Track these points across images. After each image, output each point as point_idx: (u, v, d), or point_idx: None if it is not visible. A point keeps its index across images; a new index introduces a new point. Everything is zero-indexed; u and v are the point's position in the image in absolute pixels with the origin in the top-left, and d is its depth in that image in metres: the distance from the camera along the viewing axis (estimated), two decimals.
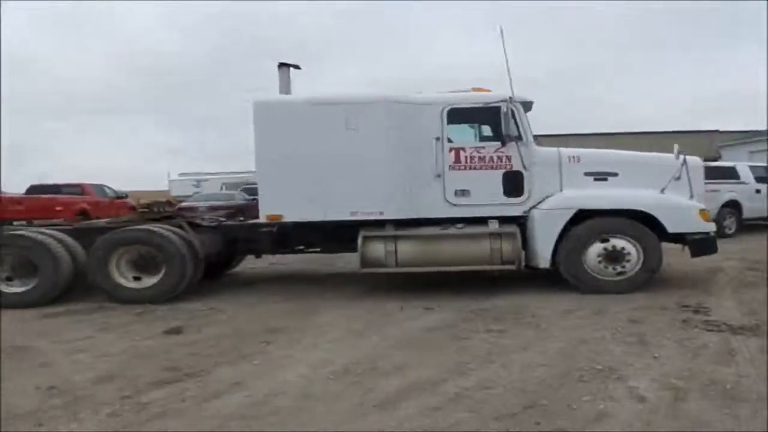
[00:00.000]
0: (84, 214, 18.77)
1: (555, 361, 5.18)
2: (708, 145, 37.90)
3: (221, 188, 42.54)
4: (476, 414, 4.03)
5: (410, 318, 7.01)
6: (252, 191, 28.01)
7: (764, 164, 17.17)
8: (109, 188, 22.03)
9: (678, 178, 8.25)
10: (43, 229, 8.74)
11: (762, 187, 15.59)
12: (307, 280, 10.14)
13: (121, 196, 22.51)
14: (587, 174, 8.37)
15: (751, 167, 16.37)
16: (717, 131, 49.10)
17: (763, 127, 38.90)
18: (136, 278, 8.37)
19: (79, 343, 6.22)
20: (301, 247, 9.25)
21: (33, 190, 19.82)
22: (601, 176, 8.38)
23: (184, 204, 23.87)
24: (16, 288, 8.31)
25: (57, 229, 8.80)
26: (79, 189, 19.99)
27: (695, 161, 8.58)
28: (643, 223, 8.09)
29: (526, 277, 8.87)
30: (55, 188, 19.90)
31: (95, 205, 19.84)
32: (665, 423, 3.83)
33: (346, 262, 11.09)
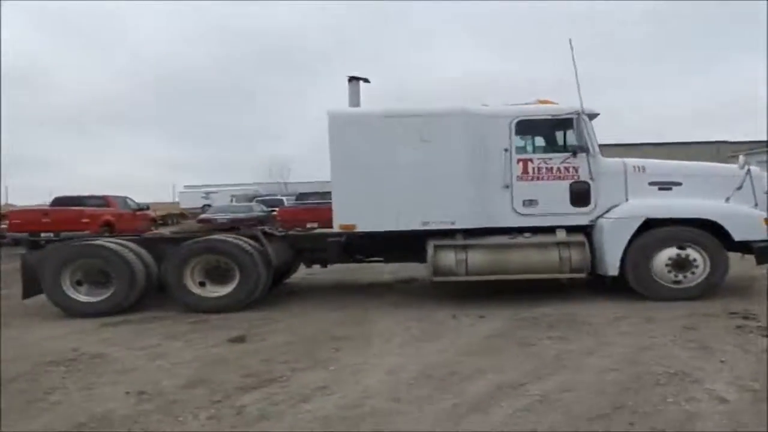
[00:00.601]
0: (108, 225, 19.00)
1: (624, 365, 5.32)
2: (715, 156, 38.06)
3: (231, 200, 42.87)
4: (568, 415, 4.19)
5: (466, 326, 7.15)
6: (269, 203, 28.32)
7: None
8: (132, 200, 22.24)
9: (740, 188, 8.42)
10: (118, 240, 8.91)
11: None
12: (349, 289, 10.26)
13: (142, 208, 22.72)
14: (652, 183, 8.55)
15: None
16: (725, 142, 49.54)
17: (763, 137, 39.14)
18: (206, 287, 8.51)
19: (152, 350, 6.38)
20: (363, 257, 9.40)
21: (58, 202, 20.04)
22: (665, 186, 8.56)
23: (203, 216, 24.13)
24: (89, 297, 8.43)
25: (128, 240, 8.96)
26: (103, 201, 20.19)
27: (758, 171, 8.75)
28: (708, 232, 8.26)
29: (565, 287, 9.02)
30: (79, 200, 20.09)
31: (119, 217, 20.04)
32: (753, 421, 3.98)
33: (387, 272, 11.30)
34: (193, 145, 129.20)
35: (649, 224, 8.24)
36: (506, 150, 8.40)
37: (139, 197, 23.30)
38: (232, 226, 9.65)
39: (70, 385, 5.23)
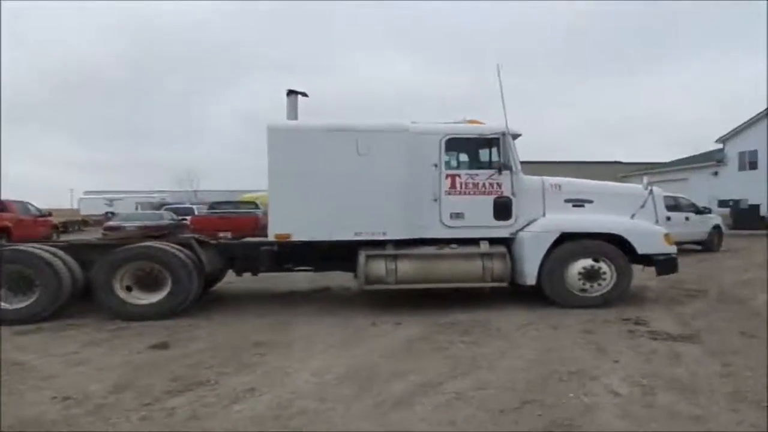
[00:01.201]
0: (6, 231, 18.09)
1: (532, 365, 5.82)
2: (611, 176, 40.51)
3: (136, 208, 41.46)
4: (484, 409, 4.59)
5: (384, 332, 7.47)
6: (179, 211, 27.68)
7: (672, 194, 18.83)
8: (33, 206, 21.21)
9: (643, 206, 9.29)
10: (45, 246, 8.64)
11: (671, 215, 17.16)
12: (268, 297, 10.37)
13: (44, 214, 21.72)
14: (567, 200, 9.30)
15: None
16: (619, 162, 52.86)
17: (663, 159, 42.13)
18: (132, 293, 8.42)
19: (72, 356, 6.32)
20: (292, 266, 9.53)
21: None
22: (578, 203, 9.33)
23: (110, 223, 23.32)
24: (9, 305, 8.15)
25: (52, 246, 8.71)
26: (0, 206, 19.15)
27: (659, 191, 9.70)
28: (614, 245, 9.00)
29: (476, 295, 9.54)
30: None
31: (18, 222, 19.07)
32: (643, 412, 4.51)
33: (304, 281, 11.50)
34: (93, 147, 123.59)
35: (563, 238, 8.91)
36: (436, 165, 8.86)
37: (35, 202, 22.22)
38: (163, 234, 9.47)
39: None
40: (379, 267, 8.70)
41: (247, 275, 9.83)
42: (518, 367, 5.75)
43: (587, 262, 8.89)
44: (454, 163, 9.26)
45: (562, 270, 8.86)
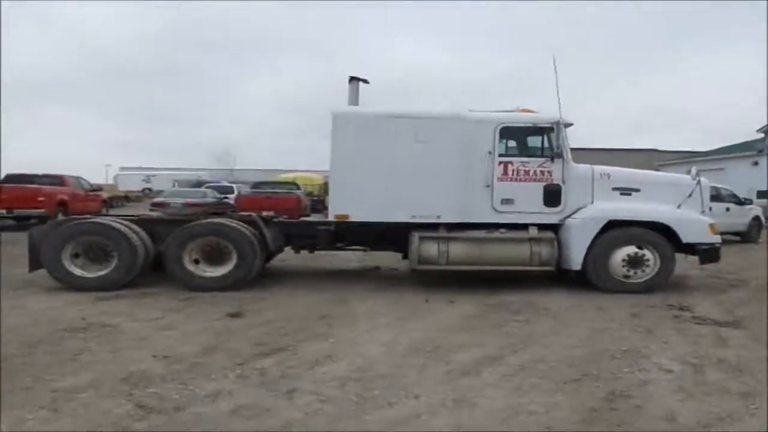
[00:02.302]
0: (63, 205, 18.91)
1: (585, 343, 6.24)
2: (646, 164, 40.30)
3: (173, 185, 42.42)
4: (548, 379, 5.02)
5: (439, 309, 7.92)
6: (220, 189, 28.42)
7: (714, 184, 18.88)
8: (85, 180, 22.08)
9: (690, 196, 9.57)
10: (120, 220, 9.30)
11: (712, 205, 17.24)
12: (323, 275, 10.89)
13: (95, 189, 22.60)
14: (615, 189, 9.61)
15: None
16: (655, 150, 52.36)
17: (699, 147, 41.70)
18: (199, 265, 9.00)
19: (158, 321, 6.90)
20: (345, 245, 10.06)
21: (10, 179, 19.72)
22: (626, 191, 9.63)
23: (157, 199, 24.14)
24: (89, 272, 8.80)
25: (127, 219, 9.37)
26: (58, 180, 20.01)
27: (706, 182, 9.95)
28: (659, 234, 9.31)
29: (522, 278, 9.92)
30: (31, 178, 19.82)
31: (73, 196, 19.93)
32: (695, 388, 4.90)
33: (353, 260, 12.00)
34: (126, 125, 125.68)
35: (610, 225, 9.24)
36: (490, 153, 9.26)
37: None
38: (224, 210, 10.08)
39: (95, 348, 5.73)
40: (431, 248, 9.14)
41: (295, 253, 10.41)
42: (572, 345, 6.16)
43: (631, 249, 9.21)
44: (507, 150, 9.61)
45: (607, 256, 9.18)
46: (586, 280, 9.32)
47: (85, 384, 4.71)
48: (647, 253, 9.24)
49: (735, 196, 19.50)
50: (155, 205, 22.88)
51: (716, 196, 17.80)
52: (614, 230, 9.24)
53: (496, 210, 9.32)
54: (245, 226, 9.14)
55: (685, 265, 10.44)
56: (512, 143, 9.70)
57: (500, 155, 9.36)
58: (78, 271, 8.75)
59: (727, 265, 12.18)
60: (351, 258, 12.36)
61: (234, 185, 33.24)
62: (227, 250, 8.96)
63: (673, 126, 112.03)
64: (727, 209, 18.28)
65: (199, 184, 35.71)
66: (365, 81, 9.99)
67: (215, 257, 9.01)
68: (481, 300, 8.45)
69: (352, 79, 9.88)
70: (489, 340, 6.28)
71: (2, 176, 20.76)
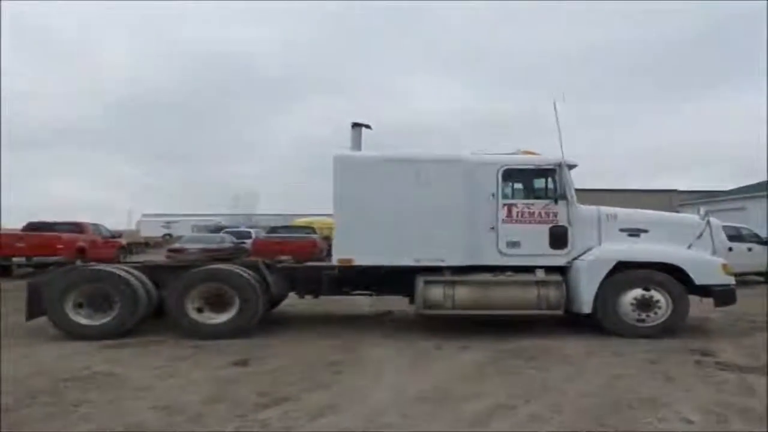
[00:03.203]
0: (82, 252, 19.04)
1: (602, 391, 5.98)
2: (667, 204, 39.83)
3: (192, 230, 42.84)
4: (562, 430, 4.79)
5: (450, 355, 7.71)
6: (237, 234, 28.54)
7: (735, 224, 18.55)
8: (104, 227, 22.31)
9: (700, 236, 9.34)
10: (122, 266, 9.28)
11: (733, 245, 16.87)
12: (334, 320, 10.72)
13: (115, 236, 22.77)
14: (622, 230, 9.41)
15: (723, 227, 17.70)
16: (675, 191, 51.89)
17: (721, 186, 41.20)
18: (203, 313, 8.87)
19: (162, 370, 6.77)
20: (350, 289, 9.92)
21: (31, 227, 19.99)
22: (634, 232, 9.43)
23: (174, 245, 24.25)
24: (90, 320, 8.71)
25: (128, 266, 9.35)
26: (77, 227, 20.21)
27: (716, 222, 9.72)
28: (671, 276, 9.03)
29: (536, 322, 9.66)
30: (51, 226, 20.06)
31: (92, 243, 20.09)
32: None
33: (365, 305, 11.81)
34: (149, 168, 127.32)
35: (618, 267, 8.99)
36: (493, 195, 9.16)
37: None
38: (229, 257, 10.07)
39: (95, 399, 5.60)
40: (437, 292, 8.97)
41: (310, 298, 10.24)
42: (588, 392, 5.91)
43: (639, 292, 8.93)
44: (510, 192, 9.51)
45: (615, 299, 8.92)
46: (598, 324, 9.03)
47: None
48: (656, 295, 8.95)
49: (757, 235, 19.06)
50: (172, 251, 22.97)
51: (737, 236, 17.44)
52: (620, 273, 9.00)
53: (501, 253, 9.17)
54: (246, 270, 9.04)
55: (706, 307, 10.11)
56: (516, 185, 9.61)
57: (504, 197, 9.26)
58: (80, 320, 8.68)
59: (750, 307, 11.80)
60: (362, 302, 12.17)
61: (252, 230, 33.47)
62: (229, 296, 8.84)
63: (694, 165, 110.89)
64: (749, 249, 17.84)
65: (218, 229, 36.05)
66: (368, 126, 10.02)
67: (218, 303, 8.90)
68: (495, 346, 8.21)
69: (355, 125, 9.92)
70: (501, 389, 6.05)
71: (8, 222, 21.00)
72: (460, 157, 9.35)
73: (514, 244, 9.16)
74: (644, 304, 8.92)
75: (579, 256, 9.18)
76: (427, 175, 9.13)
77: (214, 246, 22.80)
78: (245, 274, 8.91)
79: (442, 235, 9.06)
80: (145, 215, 79.81)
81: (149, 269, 9.41)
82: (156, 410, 5.28)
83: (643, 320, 8.93)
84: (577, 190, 9.42)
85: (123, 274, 8.78)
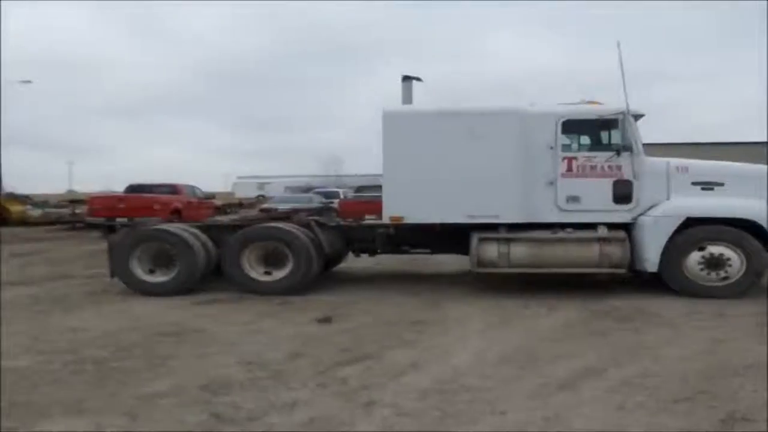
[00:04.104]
0: (177, 213, 19.84)
1: (702, 356, 5.58)
2: (757, 157, 36.86)
3: (284, 191, 43.84)
4: (653, 397, 4.48)
5: (538, 315, 7.44)
6: (326, 195, 28.95)
7: None
8: (199, 189, 23.14)
9: None
10: (182, 225, 9.55)
11: None
12: (416, 278, 10.65)
13: (209, 197, 23.60)
14: (695, 183, 8.71)
15: None
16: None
17: None
18: (266, 272, 9.03)
19: (249, 326, 6.92)
20: (408, 248, 9.80)
21: (131, 189, 21.02)
22: (707, 186, 8.70)
23: (265, 205, 24.88)
24: (157, 278, 9.05)
25: (191, 226, 9.59)
26: (173, 189, 21.07)
27: None
28: (747, 231, 8.31)
29: (632, 282, 9.19)
30: (150, 188, 21.01)
31: (187, 204, 20.89)
32: None
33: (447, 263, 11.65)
34: (243, 133, 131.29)
35: (689, 223, 8.37)
36: (552, 148, 8.70)
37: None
38: (287, 215, 10.26)
39: (184, 354, 5.78)
40: (491, 250, 8.66)
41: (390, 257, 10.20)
42: (686, 357, 5.53)
43: (708, 249, 8.28)
44: (571, 145, 9.00)
45: (682, 257, 8.30)
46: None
47: (167, 390, 4.72)
48: (728, 252, 8.23)
49: None
50: (262, 210, 23.55)
51: None
52: (688, 229, 8.32)
53: (561, 208, 8.71)
54: (300, 229, 9.05)
55: None
56: (577, 137, 9.09)
57: (563, 150, 8.76)
58: (145, 277, 8.99)
59: None
60: (446, 261, 11.99)
61: (340, 190, 33.86)
62: (284, 254, 8.89)
63: None
64: None
65: (308, 189, 36.73)
66: (418, 79, 9.75)
67: (273, 261, 8.98)
68: (585, 305, 7.87)
69: (405, 78, 9.64)
70: (591, 351, 5.76)
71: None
72: (516, 109, 8.92)
73: (574, 199, 8.69)
74: (714, 263, 8.26)
75: (645, 211, 8.59)
76: (482, 128, 8.75)
77: (302, 206, 23.19)
78: (297, 232, 8.92)
79: (496, 190, 8.71)
80: (239, 177, 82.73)
81: (209, 228, 9.64)
82: (240, 365, 5.38)
83: (711, 278, 8.30)
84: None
85: (181, 233, 8.99)
